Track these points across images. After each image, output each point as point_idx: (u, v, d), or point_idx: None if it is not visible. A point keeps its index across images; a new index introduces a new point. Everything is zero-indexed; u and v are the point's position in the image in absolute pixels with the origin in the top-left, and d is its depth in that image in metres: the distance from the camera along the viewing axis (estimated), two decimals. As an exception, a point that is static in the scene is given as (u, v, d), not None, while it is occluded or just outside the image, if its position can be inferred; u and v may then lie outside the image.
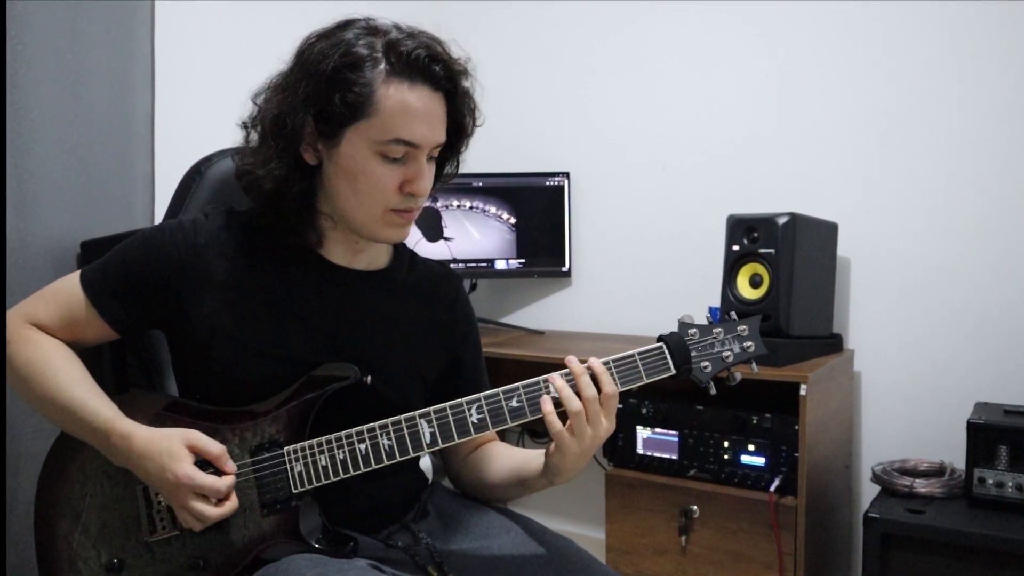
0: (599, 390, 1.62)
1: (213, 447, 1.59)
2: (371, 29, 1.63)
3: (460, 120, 1.72)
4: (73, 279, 1.73)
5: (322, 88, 1.59)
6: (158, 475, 1.55)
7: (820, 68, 3.30)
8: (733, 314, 1.76)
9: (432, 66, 1.62)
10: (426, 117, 1.63)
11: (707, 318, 1.75)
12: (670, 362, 1.67)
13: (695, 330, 1.71)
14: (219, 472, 1.59)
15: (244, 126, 1.72)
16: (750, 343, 1.72)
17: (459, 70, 1.67)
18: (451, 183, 1.90)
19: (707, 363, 1.70)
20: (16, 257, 2.26)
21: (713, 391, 1.72)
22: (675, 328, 1.72)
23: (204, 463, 1.58)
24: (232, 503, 1.58)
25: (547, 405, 1.61)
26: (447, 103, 1.68)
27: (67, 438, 1.71)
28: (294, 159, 1.65)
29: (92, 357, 1.77)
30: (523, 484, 1.84)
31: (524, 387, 1.64)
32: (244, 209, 1.77)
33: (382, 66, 1.59)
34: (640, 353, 1.67)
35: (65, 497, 1.70)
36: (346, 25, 1.65)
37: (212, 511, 1.55)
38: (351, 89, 1.58)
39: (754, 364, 1.75)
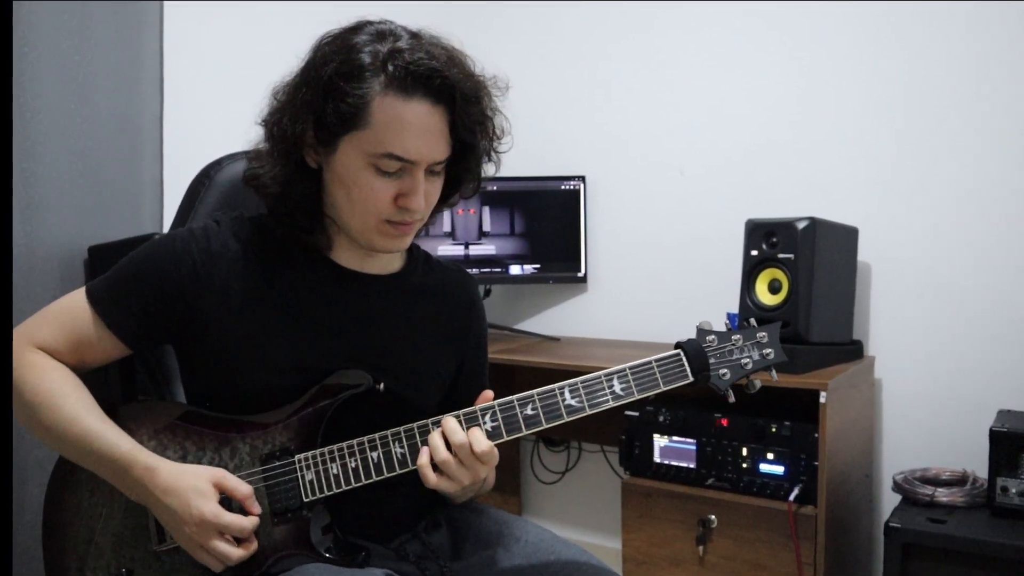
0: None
1: (242, 487, 1.58)
2: (381, 34, 1.59)
3: (463, 137, 1.66)
4: (78, 296, 1.69)
5: (318, 95, 1.56)
6: (182, 512, 1.53)
7: (839, 70, 3.27)
8: (753, 321, 1.72)
9: (432, 79, 1.56)
10: (421, 132, 1.58)
11: (726, 324, 1.72)
12: (688, 369, 1.64)
13: (713, 337, 1.68)
14: (243, 512, 1.58)
15: (264, 123, 1.69)
16: (769, 350, 1.70)
17: (466, 85, 1.61)
18: None
19: (726, 370, 1.67)
20: (22, 262, 2.25)
21: (732, 399, 1.70)
22: (693, 334, 1.69)
23: (226, 502, 1.57)
24: (252, 546, 1.57)
25: (423, 457, 1.59)
26: (450, 118, 1.62)
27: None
28: (297, 162, 1.63)
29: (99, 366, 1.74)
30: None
31: (539, 395, 1.61)
32: (254, 215, 1.75)
33: (380, 77, 1.55)
34: (657, 360, 1.63)
35: (74, 506, 1.68)
36: (358, 28, 1.61)
37: (235, 552, 1.54)
38: (344, 99, 1.54)
39: (773, 371, 1.72)
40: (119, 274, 1.69)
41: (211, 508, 1.52)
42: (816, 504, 2.64)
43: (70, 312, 1.67)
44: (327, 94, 1.55)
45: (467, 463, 1.57)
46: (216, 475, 1.57)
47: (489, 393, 1.63)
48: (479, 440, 1.57)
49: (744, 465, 2.78)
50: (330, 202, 1.68)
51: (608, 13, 3.76)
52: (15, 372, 1.64)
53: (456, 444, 1.56)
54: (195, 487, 1.54)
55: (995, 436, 2.56)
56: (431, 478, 1.57)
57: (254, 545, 1.57)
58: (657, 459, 2.93)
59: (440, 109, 1.60)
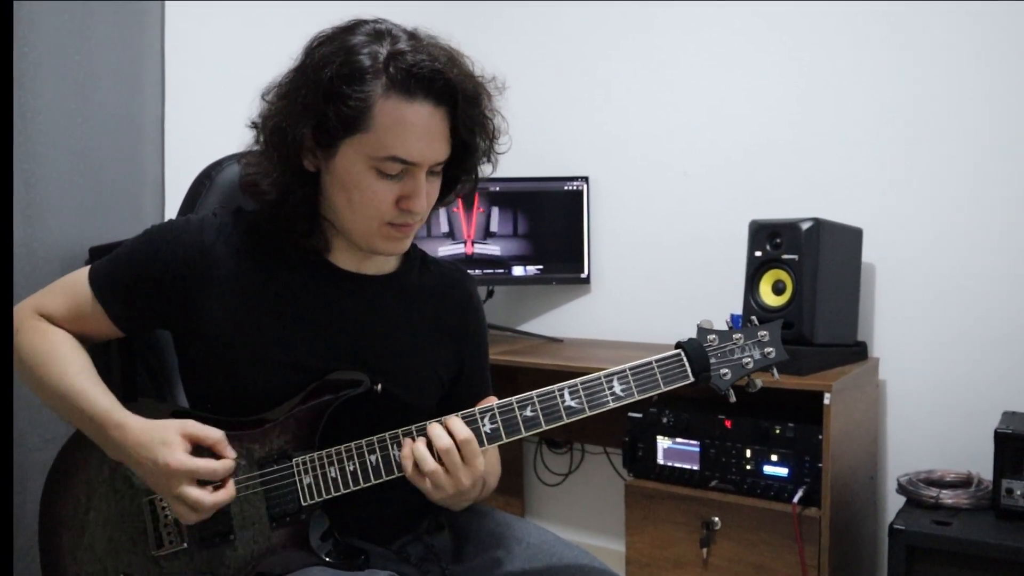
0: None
1: (211, 433, 1.57)
2: (378, 35, 1.58)
3: (464, 138, 1.65)
4: (82, 274, 1.72)
5: (319, 99, 1.54)
6: (151, 465, 1.53)
7: (843, 70, 3.26)
8: (754, 319, 1.71)
9: (434, 81, 1.55)
10: (424, 135, 1.58)
11: (727, 323, 1.71)
12: (688, 369, 1.63)
13: (714, 336, 1.67)
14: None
15: (254, 126, 1.68)
16: (771, 349, 1.69)
17: (467, 86, 1.61)
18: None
19: (726, 370, 1.66)
20: (23, 264, 2.24)
21: (733, 399, 1.69)
22: (695, 335, 1.68)
23: (205, 453, 1.56)
24: (229, 491, 1.56)
25: (405, 448, 1.58)
26: (451, 119, 1.62)
27: (72, 450, 1.69)
28: (295, 167, 1.62)
29: (101, 366, 1.74)
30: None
31: (538, 396, 1.60)
32: (253, 210, 1.74)
33: (382, 79, 1.54)
34: (658, 360, 1.62)
35: (70, 511, 1.68)
36: (352, 28, 1.60)
37: (207, 497, 1.52)
38: (346, 103, 1.53)
39: (775, 370, 1.72)
40: (118, 259, 1.71)
41: (177, 456, 1.51)
42: (820, 506, 2.63)
43: (73, 288, 1.71)
44: (328, 97, 1.54)
45: (451, 469, 1.56)
46: (184, 425, 1.57)
47: (493, 399, 1.63)
48: (459, 429, 1.56)
49: (748, 467, 2.77)
50: (329, 205, 1.67)
51: (609, 13, 3.75)
52: (18, 335, 1.68)
53: (442, 449, 1.55)
54: (162, 439, 1.53)
55: (1000, 438, 2.54)
56: (409, 467, 1.56)
57: (231, 491, 1.56)
58: (660, 461, 2.92)
59: (442, 110, 1.59)
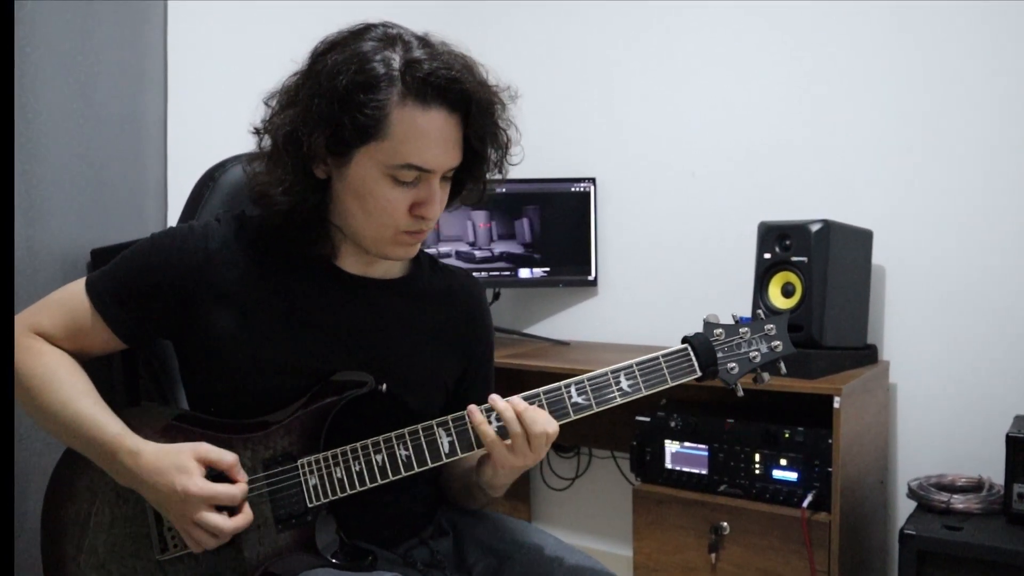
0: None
1: (225, 456, 1.56)
2: (389, 40, 1.56)
3: (476, 145, 1.64)
4: (78, 286, 1.69)
5: (334, 107, 1.53)
6: (167, 491, 1.52)
7: (853, 70, 3.25)
8: (760, 312, 1.71)
9: (450, 88, 1.54)
10: (440, 141, 1.57)
11: (733, 317, 1.71)
12: (695, 364, 1.65)
13: (721, 330, 1.69)
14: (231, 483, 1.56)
15: (257, 132, 1.66)
16: (777, 342, 1.70)
17: (481, 96, 1.59)
18: None
19: (734, 364, 1.68)
20: (24, 265, 2.23)
21: (740, 393, 1.71)
22: (702, 330, 1.69)
23: (216, 476, 1.55)
24: (246, 516, 1.56)
25: (478, 415, 1.60)
26: (464, 126, 1.61)
27: (74, 454, 1.67)
28: (307, 175, 1.61)
29: (103, 368, 1.74)
30: (468, 492, 1.84)
31: (545, 393, 1.61)
32: (257, 214, 1.72)
33: (397, 87, 1.52)
34: (664, 355, 1.64)
35: (72, 515, 1.67)
36: (362, 33, 1.58)
37: (227, 523, 1.52)
38: (362, 111, 1.52)
39: (782, 365, 1.72)
40: (118, 268, 1.68)
41: (196, 482, 1.51)
42: (830, 511, 2.62)
43: (70, 302, 1.68)
44: (343, 106, 1.52)
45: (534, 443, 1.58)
46: (198, 449, 1.56)
47: (496, 397, 1.62)
48: (551, 421, 1.59)
49: (757, 471, 2.76)
50: (340, 212, 1.65)
51: (616, 14, 3.75)
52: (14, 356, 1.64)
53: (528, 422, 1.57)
54: (178, 464, 1.53)
55: (1012, 442, 2.53)
56: (490, 433, 1.58)
57: (247, 515, 1.56)
58: (668, 465, 2.91)
59: (456, 117, 1.58)
